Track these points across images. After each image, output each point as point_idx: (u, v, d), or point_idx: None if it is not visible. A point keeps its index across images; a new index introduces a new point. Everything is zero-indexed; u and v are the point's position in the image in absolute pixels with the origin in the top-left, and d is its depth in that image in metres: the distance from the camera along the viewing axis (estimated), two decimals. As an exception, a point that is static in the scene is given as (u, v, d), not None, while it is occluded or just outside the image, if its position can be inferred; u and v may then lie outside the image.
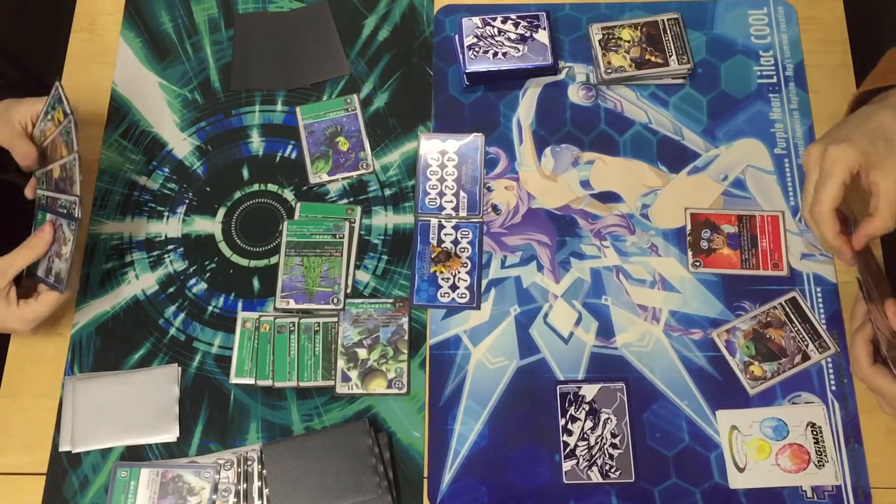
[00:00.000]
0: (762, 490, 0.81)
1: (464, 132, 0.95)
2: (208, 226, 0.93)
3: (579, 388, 0.84)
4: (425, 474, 0.83)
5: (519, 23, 0.98)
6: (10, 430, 0.86)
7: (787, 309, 0.85)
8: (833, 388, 0.84)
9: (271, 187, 0.95)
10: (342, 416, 0.85)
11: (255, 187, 0.95)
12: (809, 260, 0.88)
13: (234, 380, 0.86)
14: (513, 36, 0.97)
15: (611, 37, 0.97)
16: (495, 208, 0.92)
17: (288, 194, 0.94)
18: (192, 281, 0.91)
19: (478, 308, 0.88)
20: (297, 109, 0.98)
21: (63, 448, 0.84)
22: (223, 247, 0.92)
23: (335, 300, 0.88)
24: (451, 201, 0.92)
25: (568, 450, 0.82)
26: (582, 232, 0.91)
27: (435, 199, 0.93)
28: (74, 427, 0.85)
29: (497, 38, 0.97)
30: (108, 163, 0.96)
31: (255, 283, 0.90)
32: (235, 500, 0.81)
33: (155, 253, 0.92)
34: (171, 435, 0.84)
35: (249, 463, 0.83)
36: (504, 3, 1.01)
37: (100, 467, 0.84)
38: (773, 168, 0.92)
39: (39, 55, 1.22)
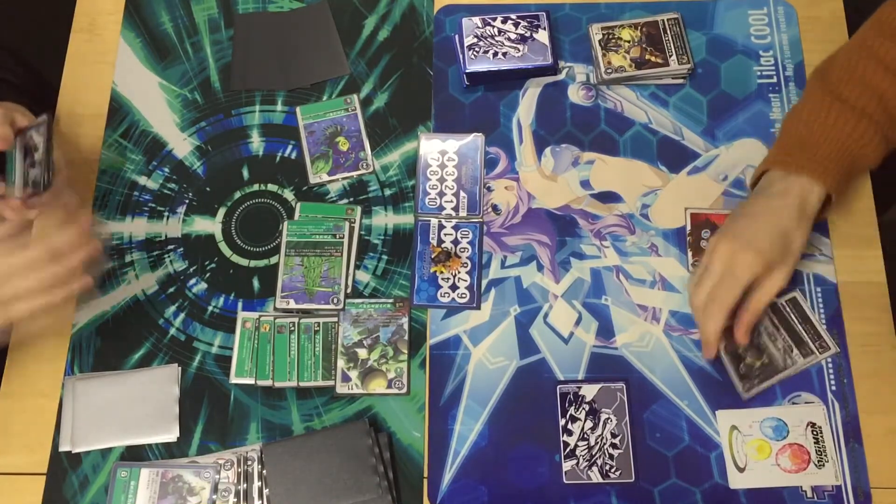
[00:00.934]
0: (762, 490, 0.81)
1: (464, 132, 0.95)
2: (208, 226, 0.93)
3: (579, 388, 0.84)
4: (425, 474, 0.83)
5: (519, 23, 0.98)
6: (10, 430, 0.86)
7: (788, 309, 0.85)
8: (833, 388, 0.84)
9: (271, 187, 0.95)
10: (342, 416, 0.85)
11: (255, 187, 0.95)
12: (809, 260, 0.88)
13: (234, 380, 0.86)
14: (513, 36, 0.97)
15: (611, 37, 0.97)
16: (495, 208, 0.92)
17: (288, 194, 0.94)
18: (192, 281, 0.91)
19: (478, 308, 0.88)
20: (297, 109, 0.98)
21: (63, 448, 0.84)
22: (223, 247, 0.92)
23: (335, 300, 0.88)
24: (451, 201, 0.92)
25: (568, 450, 0.82)
26: (582, 232, 0.91)
27: (435, 199, 0.93)
28: (74, 427, 0.85)
29: (497, 38, 0.97)
30: (108, 163, 0.96)
31: (255, 283, 0.90)
32: (235, 500, 0.81)
33: (155, 253, 0.92)
34: (171, 435, 0.84)
35: (249, 463, 0.83)
36: (504, 3, 1.01)
37: (100, 467, 0.84)
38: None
39: (40, 55, 1.22)
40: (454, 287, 0.89)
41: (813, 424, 0.82)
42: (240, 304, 0.89)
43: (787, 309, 0.85)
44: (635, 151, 0.94)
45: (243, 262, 0.92)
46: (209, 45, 1.01)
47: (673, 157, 0.93)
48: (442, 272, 0.90)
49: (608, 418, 0.83)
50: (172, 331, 0.89)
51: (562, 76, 0.98)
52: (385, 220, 0.93)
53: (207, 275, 0.91)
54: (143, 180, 0.95)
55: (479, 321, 0.88)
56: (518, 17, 0.98)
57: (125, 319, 0.89)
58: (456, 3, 1.02)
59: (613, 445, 0.82)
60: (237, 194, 0.95)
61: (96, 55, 1.01)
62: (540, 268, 0.90)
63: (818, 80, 0.85)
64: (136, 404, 0.85)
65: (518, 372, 0.86)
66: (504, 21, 0.98)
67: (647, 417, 0.83)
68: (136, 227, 0.93)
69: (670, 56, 0.96)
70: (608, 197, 0.92)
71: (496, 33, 0.97)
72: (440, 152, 0.95)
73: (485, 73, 0.96)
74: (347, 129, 0.96)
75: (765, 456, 0.81)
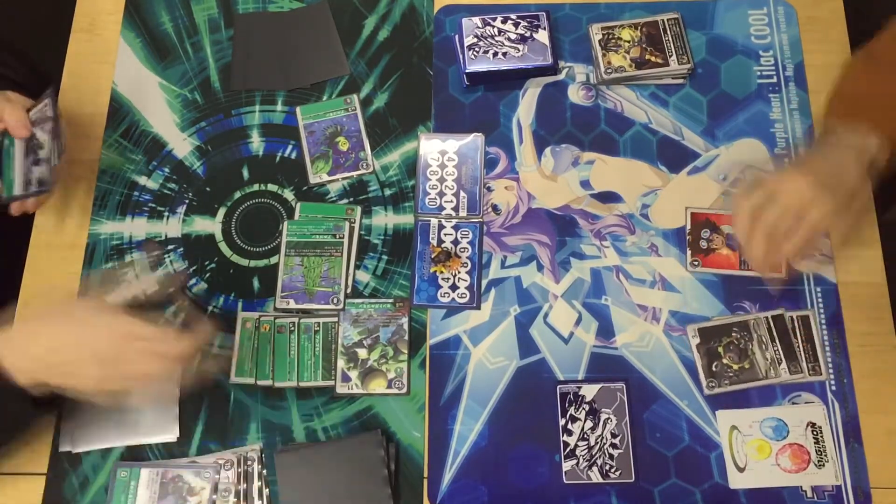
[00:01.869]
0: (762, 490, 0.81)
1: (464, 132, 0.95)
2: (208, 226, 0.93)
3: (579, 388, 0.84)
4: (425, 474, 0.83)
5: (519, 23, 0.98)
6: (10, 430, 0.86)
7: (795, 323, 0.85)
8: (833, 388, 0.84)
9: (271, 187, 0.95)
10: (342, 416, 0.85)
11: (255, 187, 0.95)
12: (809, 260, 0.88)
13: (234, 380, 0.86)
14: (513, 36, 0.97)
15: (611, 37, 0.97)
16: (495, 208, 0.92)
17: (288, 194, 0.94)
18: (193, 281, 0.91)
19: (478, 308, 0.88)
20: (297, 109, 0.98)
21: (63, 448, 0.84)
22: (223, 247, 0.92)
23: (335, 300, 0.88)
24: (451, 201, 0.92)
25: (568, 450, 0.82)
26: (582, 232, 0.91)
27: (435, 199, 0.93)
28: (74, 427, 0.84)
29: (497, 38, 0.97)
30: (108, 163, 0.96)
31: (255, 283, 0.90)
32: (235, 500, 0.81)
33: (155, 253, 0.92)
34: (171, 435, 0.84)
35: (249, 463, 0.83)
36: (504, 3, 1.01)
37: (100, 467, 0.84)
38: (773, 168, 0.92)
39: (40, 55, 1.22)
40: (454, 287, 0.89)
41: (813, 424, 0.82)
42: (240, 304, 0.89)
43: (795, 323, 0.85)
44: (635, 151, 0.94)
45: (243, 262, 0.92)
46: (209, 45, 1.01)
47: (673, 157, 0.93)
48: (442, 272, 0.90)
49: (608, 418, 0.83)
50: (172, 331, 0.89)
51: (562, 76, 0.98)
52: (385, 220, 0.93)
53: (207, 275, 0.91)
54: (143, 180, 0.95)
55: (479, 321, 0.88)
56: (518, 17, 0.98)
57: (125, 319, 0.89)
58: (456, 3, 1.02)
59: (613, 445, 0.82)
60: (237, 194, 0.95)
61: (96, 55, 1.02)
62: (540, 268, 0.90)
63: (863, 57, 0.85)
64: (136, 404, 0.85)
65: (518, 372, 0.86)
66: (504, 21, 0.98)
67: (647, 417, 0.83)
68: (136, 227, 0.93)
69: (670, 56, 0.96)
70: (608, 197, 0.92)
71: (496, 33, 0.97)
72: (440, 152, 0.95)
73: (485, 73, 0.96)
74: (347, 129, 0.96)
75: (765, 456, 0.81)
